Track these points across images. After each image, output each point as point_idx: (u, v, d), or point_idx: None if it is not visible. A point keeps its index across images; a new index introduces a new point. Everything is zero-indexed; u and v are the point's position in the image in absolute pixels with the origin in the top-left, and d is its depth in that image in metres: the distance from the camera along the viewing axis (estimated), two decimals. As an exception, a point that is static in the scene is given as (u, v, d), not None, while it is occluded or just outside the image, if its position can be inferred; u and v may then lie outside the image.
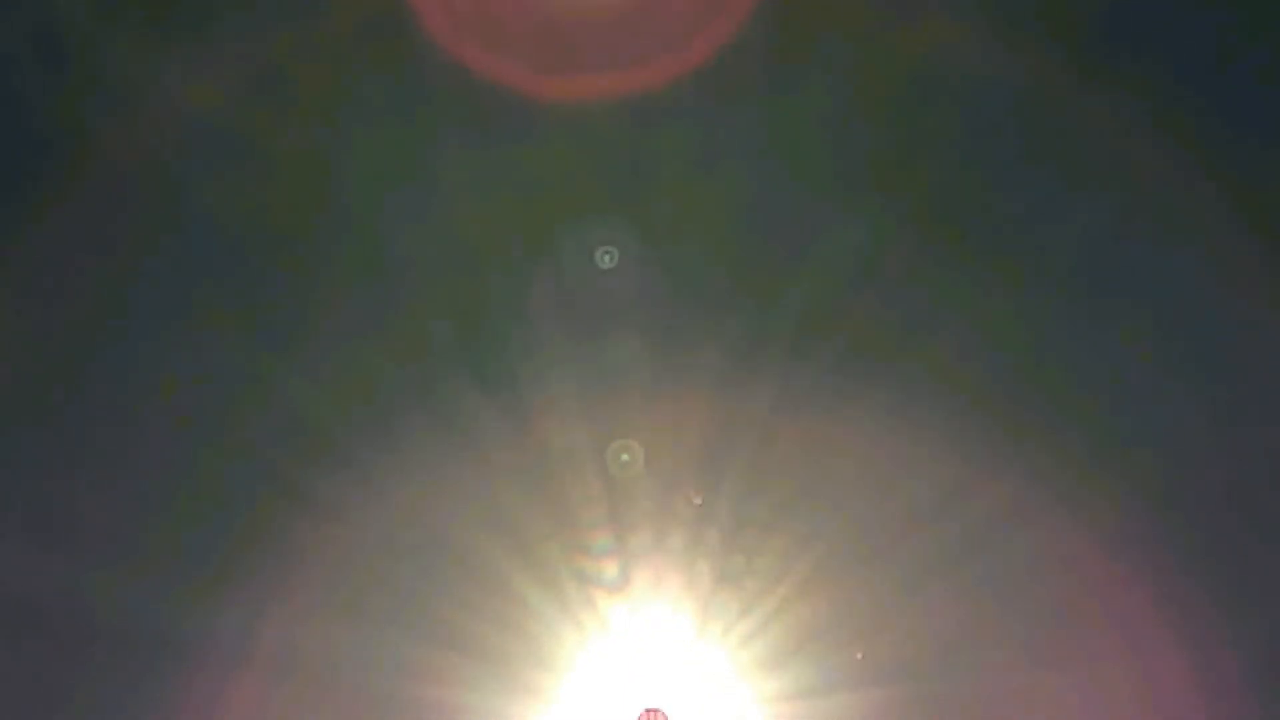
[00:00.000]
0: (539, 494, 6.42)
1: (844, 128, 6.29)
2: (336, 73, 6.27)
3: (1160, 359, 6.47)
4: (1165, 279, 6.54)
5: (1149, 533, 6.40)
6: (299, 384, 6.38)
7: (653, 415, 6.41)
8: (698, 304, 6.43)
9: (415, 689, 6.33)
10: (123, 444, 6.33)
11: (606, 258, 6.38)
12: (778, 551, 6.42)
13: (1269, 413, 6.46)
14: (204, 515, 6.35)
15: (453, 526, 6.40)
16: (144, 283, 6.34)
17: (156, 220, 6.30)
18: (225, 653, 6.30)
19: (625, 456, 6.40)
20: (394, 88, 6.31)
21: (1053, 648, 6.44)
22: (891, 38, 6.22)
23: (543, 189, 6.37)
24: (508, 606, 6.38)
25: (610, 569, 6.44)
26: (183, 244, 6.32)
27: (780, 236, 6.41)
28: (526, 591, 6.37)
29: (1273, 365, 6.46)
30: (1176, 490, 6.41)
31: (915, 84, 6.32)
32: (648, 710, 6.35)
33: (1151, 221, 6.51)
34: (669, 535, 6.44)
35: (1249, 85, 6.41)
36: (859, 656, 6.34)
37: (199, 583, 6.29)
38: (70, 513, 6.28)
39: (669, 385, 6.42)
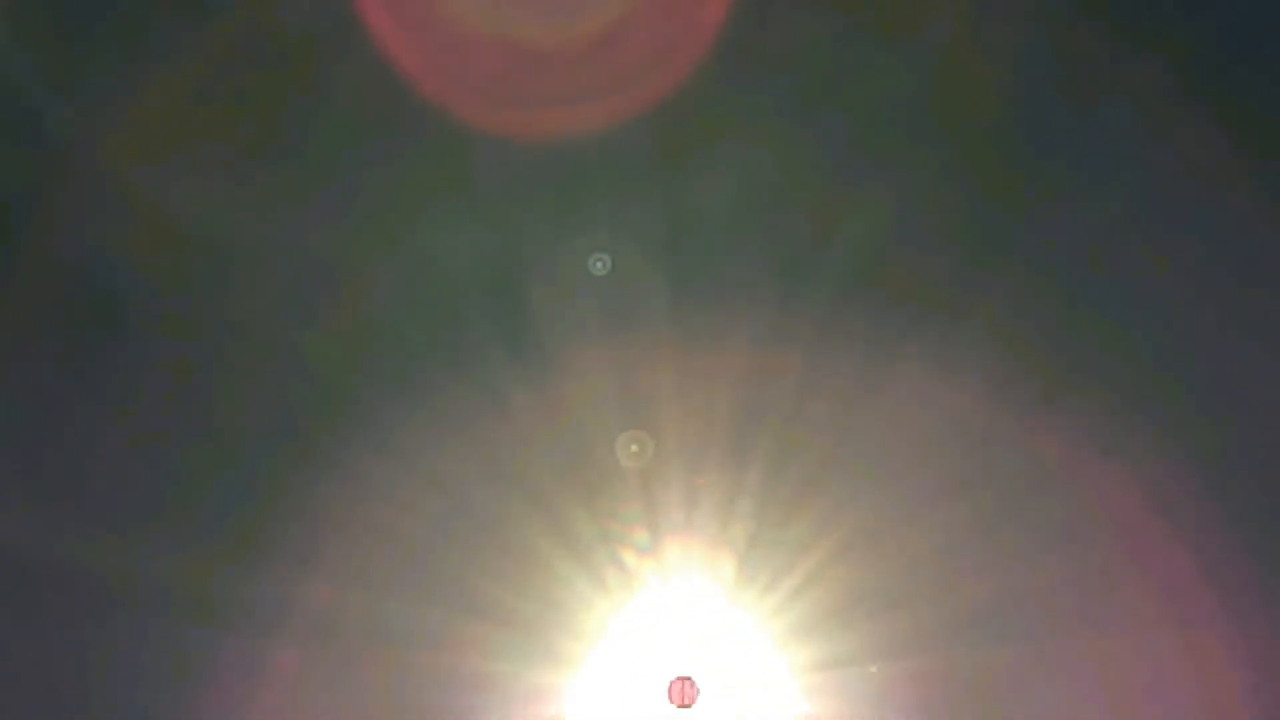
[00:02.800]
0: (570, 461, 6.40)
1: (865, 94, 6.33)
2: (299, 101, 6.40)
3: (1216, 313, 6.35)
4: (1228, 232, 6.40)
5: (1201, 495, 6.25)
6: (328, 356, 6.44)
7: (682, 379, 6.40)
8: (723, 272, 6.45)
9: (442, 657, 6.29)
10: (147, 411, 6.38)
11: (599, 265, 6.41)
12: (811, 518, 6.33)
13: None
14: (231, 483, 6.37)
15: (482, 494, 6.38)
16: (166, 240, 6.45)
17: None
18: (252, 620, 6.28)
19: (635, 448, 6.38)
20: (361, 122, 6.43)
21: (1094, 615, 6.28)
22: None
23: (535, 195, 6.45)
24: (537, 575, 6.33)
25: (641, 537, 6.38)
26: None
27: (812, 200, 6.43)
28: (556, 560, 6.33)
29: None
30: (1231, 450, 6.26)
31: (955, 30, 6.34)
32: (678, 678, 6.25)
33: (1218, 170, 6.44)
34: (701, 501, 6.38)
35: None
36: (873, 670, 6.22)
37: (225, 552, 6.29)
38: (93, 479, 6.32)
39: (698, 349, 6.41)
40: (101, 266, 6.37)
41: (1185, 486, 6.31)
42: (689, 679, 6.25)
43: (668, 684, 6.26)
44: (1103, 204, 6.47)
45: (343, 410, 6.44)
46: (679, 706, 6.23)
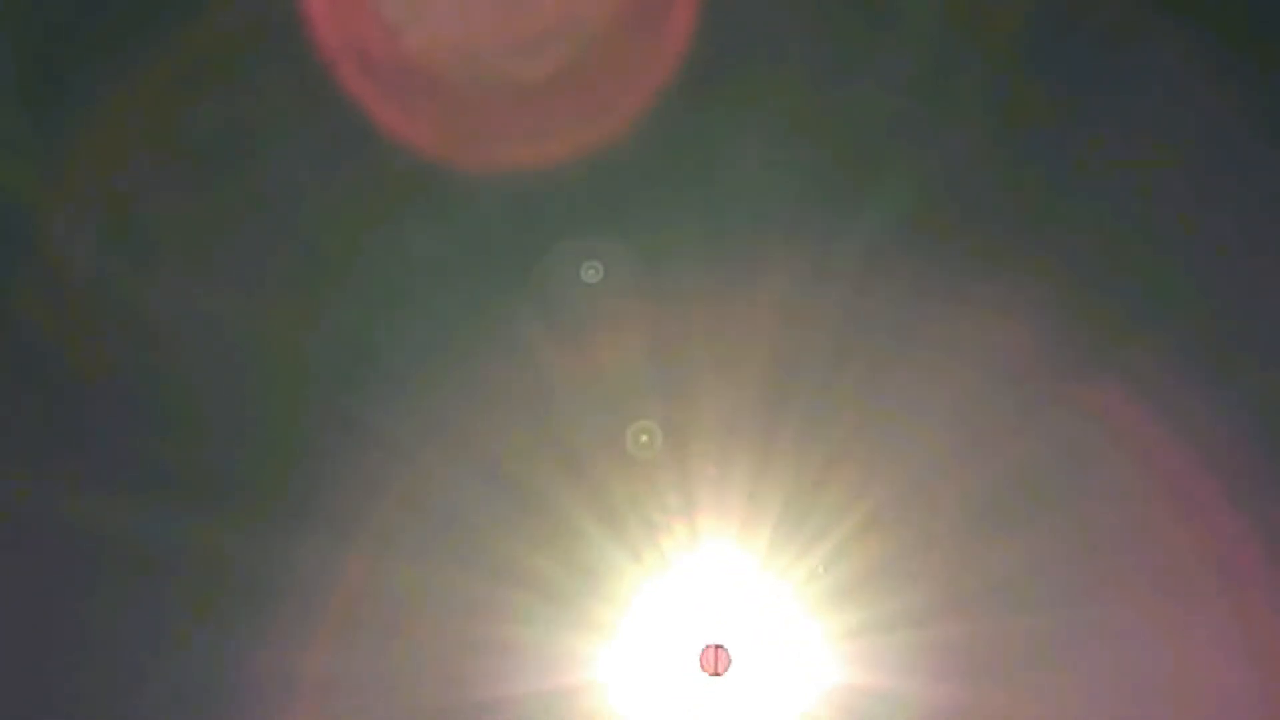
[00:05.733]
0: (603, 426, 6.35)
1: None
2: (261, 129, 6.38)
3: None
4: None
5: (1255, 456, 6.05)
6: (361, 325, 6.44)
7: (717, 335, 6.30)
8: (758, 226, 6.34)
9: (474, 625, 6.29)
10: (179, 382, 6.43)
11: (592, 272, 6.32)
12: (846, 482, 6.23)
13: None
14: (266, 452, 6.40)
15: (516, 460, 6.35)
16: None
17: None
18: (286, 589, 6.33)
19: (645, 438, 6.30)
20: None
21: (1139, 582, 6.11)
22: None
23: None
24: (570, 542, 6.30)
25: (674, 503, 6.32)
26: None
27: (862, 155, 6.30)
28: (589, 526, 6.29)
29: None
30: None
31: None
32: (710, 646, 6.20)
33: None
34: (734, 467, 6.30)
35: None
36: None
37: (259, 522, 6.33)
38: (122, 449, 6.38)
39: (732, 303, 6.31)
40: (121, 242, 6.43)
41: (1239, 446, 6.12)
42: (721, 646, 6.20)
43: (700, 651, 6.21)
44: (1165, 153, 6.26)
45: (376, 378, 6.44)
46: (711, 674, 6.19)
